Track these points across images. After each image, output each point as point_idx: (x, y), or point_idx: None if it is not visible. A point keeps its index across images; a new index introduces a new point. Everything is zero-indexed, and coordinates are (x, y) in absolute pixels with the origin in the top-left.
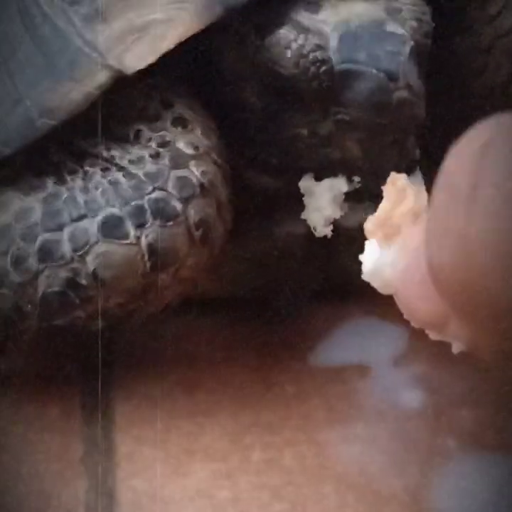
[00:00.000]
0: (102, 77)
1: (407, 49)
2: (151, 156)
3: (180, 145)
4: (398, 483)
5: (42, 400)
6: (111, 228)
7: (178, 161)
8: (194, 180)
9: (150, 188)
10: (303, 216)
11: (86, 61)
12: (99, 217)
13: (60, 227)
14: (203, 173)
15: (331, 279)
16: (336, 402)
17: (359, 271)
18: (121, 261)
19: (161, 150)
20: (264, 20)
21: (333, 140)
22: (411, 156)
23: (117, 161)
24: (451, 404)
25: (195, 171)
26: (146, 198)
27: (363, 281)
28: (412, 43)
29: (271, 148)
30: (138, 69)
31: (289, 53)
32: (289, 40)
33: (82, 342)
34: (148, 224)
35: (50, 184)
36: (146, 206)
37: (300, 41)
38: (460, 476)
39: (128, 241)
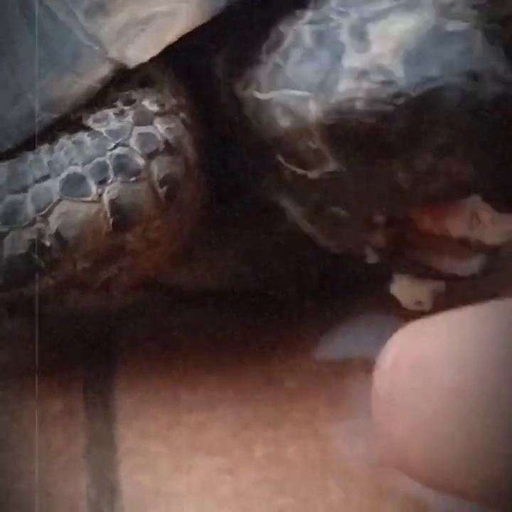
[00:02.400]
0: (104, 71)
1: (477, 40)
2: (115, 114)
3: (146, 103)
4: (401, 477)
5: (44, 395)
6: (72, 186)
7: (142, 118)
8: (158, 136)
9: (112, 145)
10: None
11: (88, 54)
12: (62, 176)
13: (24, 189)
14: (168, 130)
15: (331, 274)
16: (339, 397)
17: (361, 267)
18: (84, 219)
19: (125, 108)
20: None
21: (435, 170)
22: None
23: (83, 121)
24: None
25: (159, 128)
26: (108, 154)
27: (364, 274)
28: (479, 31)
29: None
30: (141, 62)
31: (358, 104)
32: (355, 91)
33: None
34: (110, 180)
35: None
36: (108, 162)
37: (365, 86)
38: None
39: (90, 198)
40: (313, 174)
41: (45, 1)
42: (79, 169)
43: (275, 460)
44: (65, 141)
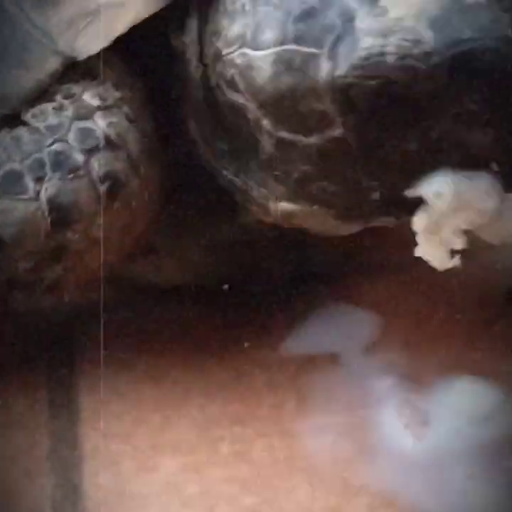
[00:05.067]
0: (53, 64)
1: (499, 11)
2: (54, 108)
3: (86, 97)
4: (368, 474)
5: (6, 395)
6: (10, 183)
7: (82, 112)
8: (98, 131)
9: (50, 141)
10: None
11: (36, 47)
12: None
13: None
14: (109, 124)
15: (300, 267)
16: (306, 392)
17: (328, 259)
18: (21, 218)
19: (65, 102)
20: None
21: (452, 139)
22: None
23: (22, 116)
24: (423, 391)
25: (100, 123)
26: (46, 150)
27: (332, 269)
28: (496, 3)
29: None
30: (90, 54)
31: (389, 59)
32: (381, 47)
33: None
34: (48, 177)
35: None
36: (46, 159)
37: (393, 42)
38: (431, 465)
39: (27, 196)
40: (311, 140)
41: None
42: (16, 166)
43: (242, 458)
44: (3, 137)
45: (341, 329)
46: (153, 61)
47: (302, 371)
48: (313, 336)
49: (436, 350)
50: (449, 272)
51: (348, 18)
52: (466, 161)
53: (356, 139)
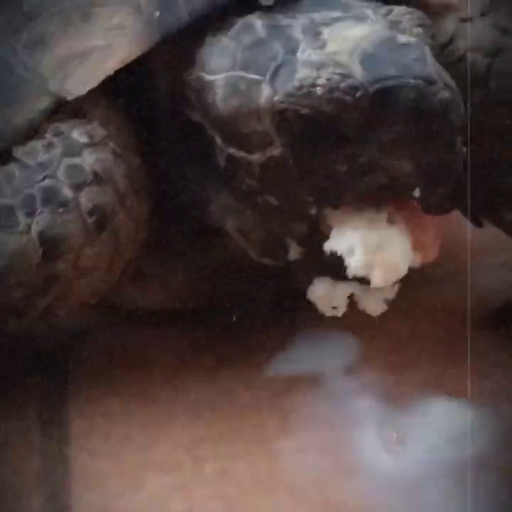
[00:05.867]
0: (43, 103)
1: (427, 52)
2: (43, 146)
3: (75, 134)
4: (348, 492)
5: None
6: (2, 217)
7: (71, 150)
8: (87, 167)
9: (40, 177)
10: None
11: (28, 88)
12: None
13: None
14: (97, 160)
15: (283, 290)
16: (289, 412)
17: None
18: (13, 250)
19: (54, 139)
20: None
21: (377, 165)
22: (462, 155)
23: (13, 154)
24: (402, 411)
25: (88, 159)
26: (36, 186)
27: None
28: (427, 46)
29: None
30: (79, 94)
31: (319, 91)
32: (314, 79)
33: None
34: (38, 211)
35: None
36: (36, 194)
37: (324, 76)
38: (408, 483)
39: (19, 230)
40: (255, 157)
41: None
42: (8, 201)
43: (226, 476)
44: None
45: (323, 351)
46: (137, 97)
47: (285, 391)
48: (296, 357)
49: (415, 370)
50: (429, 292)
51: (291, 49)
52: (392, 186)
53: (293, 158)
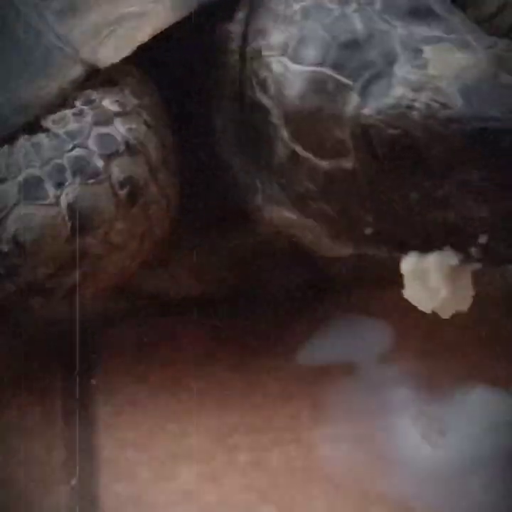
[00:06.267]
0: (75, 72)
1: None
2: (73, 114)
3: (106, 102)
4: (385, 483)
5: (23, 403)
6: (30, 189)
7: (101, 118)
8: (118, 137)
9: (70, 146)
10: (406, 296)
11: (59, 56)
12: (19, 179)
13: None
14: (129, 130)
15: (314, 278)
16: (321, 402)
17: (342, 267)
18: (42, 223)
19: (84, 108)
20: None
21: (452, 202)
22: None
23: (42, 123)
24: (440, 401)
25: (120, 128)
26: (66, 156)
27: (345, 278)
28: None
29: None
30: (112, 63)
31: (415, 115)
32: (411, 101)
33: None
34: (68, 183)
35: None
36: (66, 164)
37: (423, 100)
38: (447, 474)
39: (47, 201)
40: (323, 163)
41: (17, 5)
42: (36, 172)
43: (258, 467)
44: (23, 142)
45: (356, 339)
46: (172, 67)
47: (317, 381)
48: (328, 346)
49: (452, 359)
50: None
51: (389, 61)
52: (461, 228)
53: (365, 176)
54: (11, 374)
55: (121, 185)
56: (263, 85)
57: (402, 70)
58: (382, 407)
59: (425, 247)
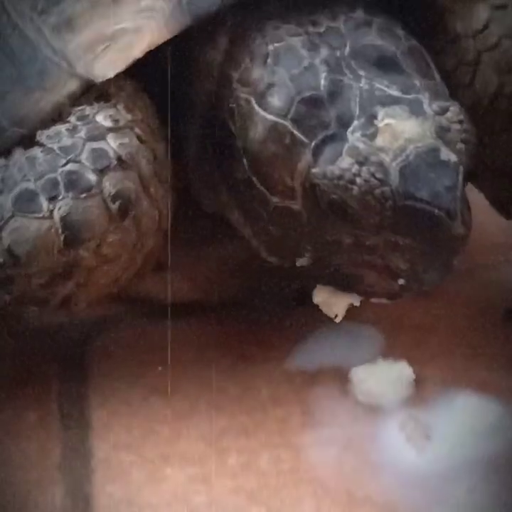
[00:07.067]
0: (71, 86)
1: (460, 180)
2: (67, 130)
3: (99, 118)
4: (372, 486)
5: (18, 405)
6: (24, 202)
7: (94, 133)
8: (110, 152)
9: (63, 161)
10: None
11: (55, 70)
12: (14, 192)
13: None
14: (121, 145)
15: (306, 283)
16: (311, 406)
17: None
18: (35, 235)
19: (78, 123)
20: None
21: (378, 252)
22: (452, 271)
23: (37, 137)
24: (427, 406)
25: (112, 144)
26: (60, 170)
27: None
28: (462, 169)
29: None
30: (107, 77)
31: (355, 190)
32: (354, 175)
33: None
34: (61, 196)
35: None
36: (59, 179)
37: (364, 176)
38: (433, 478)
39: (41, 214)
40: (273, 198)
41: (14, 18)
42: (31, 185)
43: (248, 469)
44: (18, 156)
45: (345, 344)
46: (163, 82)
47: (307, 385)
48: (319, 351)
49: (438, 365)
50: (452, 288)
51: (345, 122)
52: (383, 270)
53: (308, 218)
54: (6, 377)
55: (113, 199)
56: (231, 114)
57: (354, 137)
58: (369, 412)
59: (341, 287)
